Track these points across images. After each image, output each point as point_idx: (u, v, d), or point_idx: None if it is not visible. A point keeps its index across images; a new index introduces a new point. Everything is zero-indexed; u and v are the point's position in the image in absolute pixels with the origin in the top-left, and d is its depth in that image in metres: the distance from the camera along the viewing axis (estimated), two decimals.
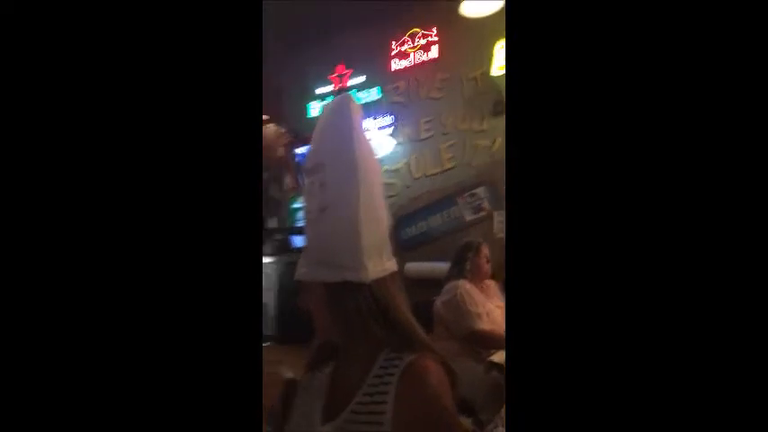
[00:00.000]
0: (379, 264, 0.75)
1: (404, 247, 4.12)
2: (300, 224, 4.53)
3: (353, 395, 0.73)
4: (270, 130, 4.32)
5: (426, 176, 4.09)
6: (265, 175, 4.22)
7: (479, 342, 1.84)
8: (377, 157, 0.78)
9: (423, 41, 4.11)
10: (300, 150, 4.32)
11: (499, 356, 1.78)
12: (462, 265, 2.03)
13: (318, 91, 4.54)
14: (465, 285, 1.96)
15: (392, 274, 0.78)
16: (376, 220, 0.74)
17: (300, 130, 4.45)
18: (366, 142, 0.75)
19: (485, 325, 1.88)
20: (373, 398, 0.72)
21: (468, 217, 3.88)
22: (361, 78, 4.33)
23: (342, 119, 0.74)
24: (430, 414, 0.68)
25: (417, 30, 4.11)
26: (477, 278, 2.03)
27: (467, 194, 3.89)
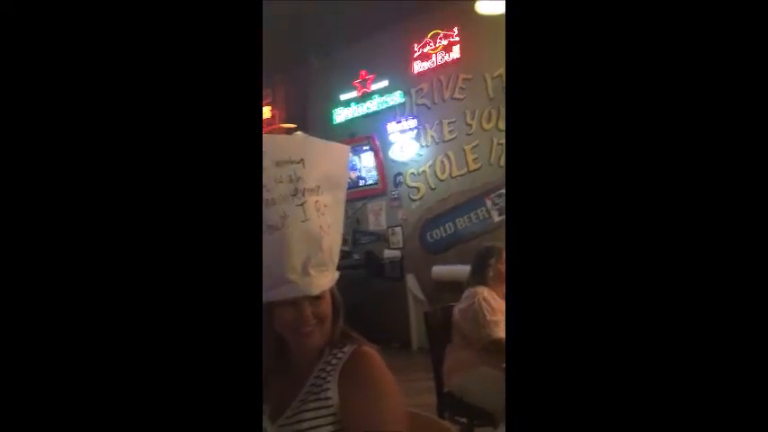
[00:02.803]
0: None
1: (431, 250, 4.10)
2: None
3: (297, 393, 0.81)
4: (298, 137, 4.42)
5: (452, 178, 4.07)
6: None
7: (500, 350, 1.76)
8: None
9: (444, 42, 4.09)
10: None
11: None
12: (483, 271, 1.95)
13: (343, 97, 4.58)
14: (483, 293, 1.87)
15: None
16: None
17: (327, 136, 4.49)
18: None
19: (503, 333, 1.80)
20: (319, 387, 0.80)
21: (497, 218, 3.82)
22: (384, 83, 4.35)
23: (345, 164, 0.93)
24: (374, 391, 0.77)
25: (439, 31, 4.10)
26: (498, 284, 1.95)
27: (494, 195, 3.83)
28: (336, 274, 0.83)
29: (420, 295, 4.05)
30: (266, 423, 0.81)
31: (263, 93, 4.94)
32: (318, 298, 0.80)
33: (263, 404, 0.81)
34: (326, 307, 0.82)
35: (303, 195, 0.80)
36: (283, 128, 4.76)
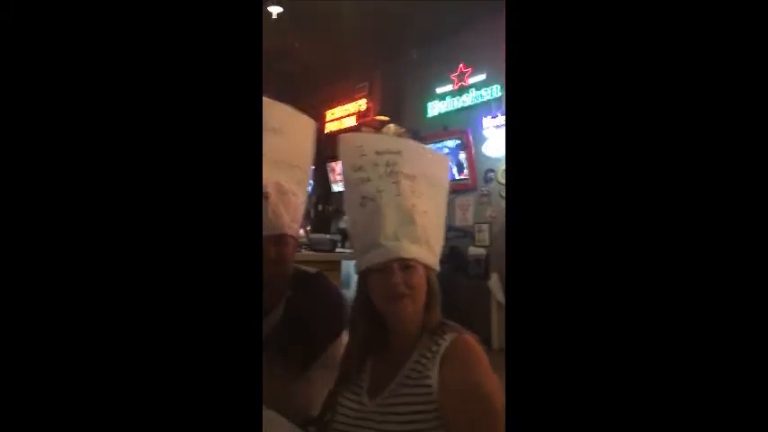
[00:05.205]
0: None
1: None
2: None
3: (395, 375, 0.82)
4: (390, 129, 4.48)
5: None
6: None
7: None
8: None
9: None
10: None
11: None
12: None
13: (439, 90, 4.53)
14: None
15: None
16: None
17: (419, 129, 4.50)
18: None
19: None
20: (419, 373, 0.80)
21: None
22: (482, 76, 4.20)
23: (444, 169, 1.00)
24: (475, 381, 0.77)
25: None
26: None
27: None
28: (435, 262, 0.87)
29: (501, 298, 3.92)
30: (364, 398, 0.83)
31: (360, 85, 5.11)
32: (410, 267, 0.83)
33: (362, 378, 0.86)
34: (419, 279, 0.83)
35: (397, 176, 0.88)
36: (377, 120, 4.82)
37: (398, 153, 0.90)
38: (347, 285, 4.12)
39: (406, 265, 0.83)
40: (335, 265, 3.67)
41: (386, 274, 0.82)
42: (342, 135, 0.95)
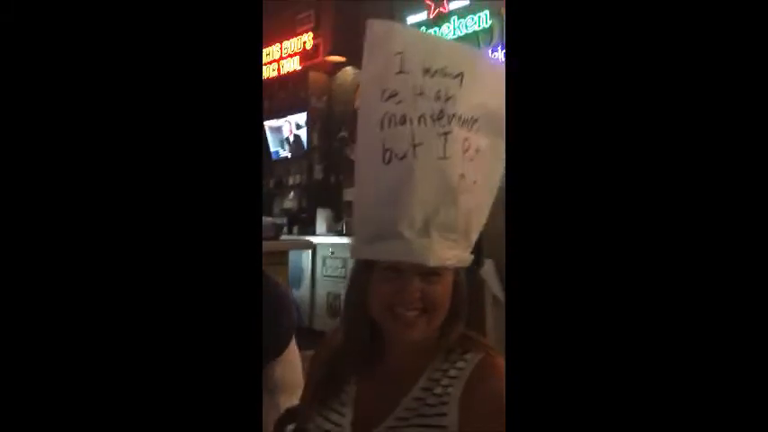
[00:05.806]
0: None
1: None
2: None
3: (394, 405, 0.67)
4: (348, 74, 4.12)
5: None
6: (342, 134, 4.00)
7: None
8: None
9: None
10: None
11: None
12: None
13: (410, 20, 3.90)
14: None
15: None
16: None
17: None
18: None
19: None
20: (432, 406, 0.65)
21: None
22: (465, 1, 3.65)
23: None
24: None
25: None
26: None
27: None
28: (469, 258, 0.67)
29: (498, 292, 3.29)
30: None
31: (303, 16, 4.49)
32: (435, 275, 0.64)
33: (343, 404, 0.70)
34: (443, 293, 0.65)
35: (450, 123, 0.64)
36: (329, 61, 4.23)
37: (458, 77, 0.64)
38: (297, 285, 3.55)
39: (432, 272, 0.63)
40: (281, 258, 3.19)
41: (398, 282, 0.63)
42: (371, 21, 0.67)
